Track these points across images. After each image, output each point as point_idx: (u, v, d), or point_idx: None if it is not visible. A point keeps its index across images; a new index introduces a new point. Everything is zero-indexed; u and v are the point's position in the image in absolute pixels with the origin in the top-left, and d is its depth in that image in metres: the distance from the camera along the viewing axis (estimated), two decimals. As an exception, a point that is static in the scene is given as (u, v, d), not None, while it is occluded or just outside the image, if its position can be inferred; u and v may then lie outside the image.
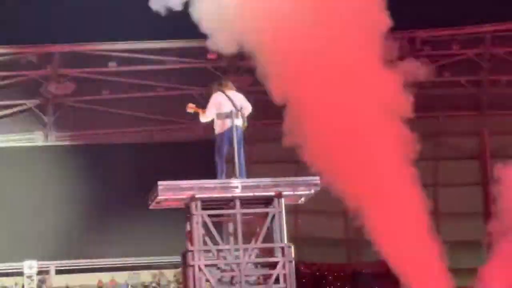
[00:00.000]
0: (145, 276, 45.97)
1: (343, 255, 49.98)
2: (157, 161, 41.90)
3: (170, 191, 14.69)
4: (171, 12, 35.38)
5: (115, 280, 45.50)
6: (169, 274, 45.04)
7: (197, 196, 14.60)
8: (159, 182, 14.72)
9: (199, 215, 14.54)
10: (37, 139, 46.78)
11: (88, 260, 44.76)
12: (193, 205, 14.61)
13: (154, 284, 45.73)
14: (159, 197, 14.82)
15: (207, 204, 14.80)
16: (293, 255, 14.59)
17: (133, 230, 43.82)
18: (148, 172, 35.90)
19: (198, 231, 14.56)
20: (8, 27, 45.00)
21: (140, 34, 44.58)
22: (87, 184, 44.38)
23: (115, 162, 45.00)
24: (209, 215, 14.65)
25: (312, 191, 15.20)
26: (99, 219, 43.79)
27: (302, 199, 15.52)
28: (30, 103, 45.96)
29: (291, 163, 37.40)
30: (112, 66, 45.88)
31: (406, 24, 45.59)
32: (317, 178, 15.13)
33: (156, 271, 45.84)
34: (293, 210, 45.41)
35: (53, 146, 46.23)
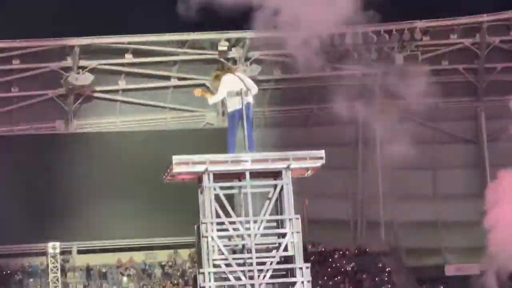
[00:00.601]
0: (162, 255, 47.33)
1: (349, 235, 51.24)
2: (171, 147, 40.81)
3: (183, 165, 14.48)
4: (184, 6, 36.29)
5: (133, 260, 46.94)
6: (184, 254, 46.50)
7: (209, 169, 14.50)
8: (174, 157, 14.52)
9: (211, 187, 14.46)
10: (58, 127, 47.75)
11: (108, 241, 46.05)
12: (205, 177, 14.51)
13: (170, 263, 47.11)
14: (173, 171, 14.59)
15: (219, 177, 14.67)
16: (300, 226, 14.55)
17: (149, 212, 44.82)
18: (163, 158, 36.92)
19: (210, 203, 14.45)
20: (31, 21, 45.99)
21: (154, 27, 45.97)
22: (106, 169, 45.49)
23: (131, 148, 45.98)
24: (220, 187, 14.55)
25: (318, 164, 14.89)
26: (118, 202, 44.90)
27: (309, 172, 15.26)
28: (51, 93, 46.90)
29: (297, 147, 38.82)
30: (129, 57, 46.91)
31: (407, 14, 47.52)
32: (322, 152, 14.86)
33: (171, 251, 47.30)
34: (301, 193, 46.97)
35: (74, 134, 47.49)
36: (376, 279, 47.38)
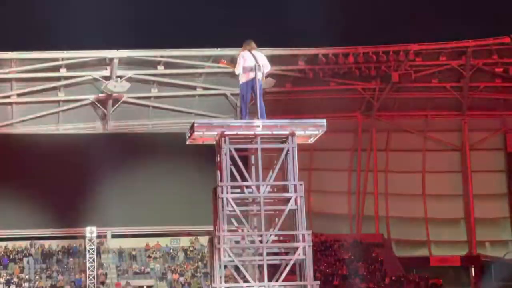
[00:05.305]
0: (184, 241, 51.14)
1: (347, 228, 55.39)
2: (195, 147, 44.21)
3: (204, 128, 15.64)
4: (211, 25, 38.23)
5: (160, 244, 50.80)
6: (203, 240, 49.75)
7: (226, 132, 15.60)
8: (195, 121, 15.80)
9: (227, 148, 15.52)
10: (97, 128, 51.63)
11: (138, 227, 49.87)
12: (222, 140, 15.55)
13: (191, 248, 50.69)
14: (195, 133, 15.63)
15: (234, 142, 15.80)
16: (303, 191, 15.69)
17: (175, 204, 48.62)
18: (188, 157, 41.51)
19: (226, 162, 15.50)
20: (76, 35, 50.38)
21: (183, 42, 50.14)
22: (138, 164, 49.36)
23: (160, 147, 49.40)
24: (235, 149, 15.63)
25: (320, 131, 16.08)
26: (148, 194, 48.69)
27: (311, 139, 16.45)
28: (93, 98, 50.44)
29: (303, 151, 43.21)
30: (160, 69, 50.15)
31: (402, 38, 51.96)
32: (324, 121, 16.06)
33: (193, 237, 51.06)
34: (307, 190, 50.11)
35: (111, 134, 51.09)
36: (370, 267, 50.47)
